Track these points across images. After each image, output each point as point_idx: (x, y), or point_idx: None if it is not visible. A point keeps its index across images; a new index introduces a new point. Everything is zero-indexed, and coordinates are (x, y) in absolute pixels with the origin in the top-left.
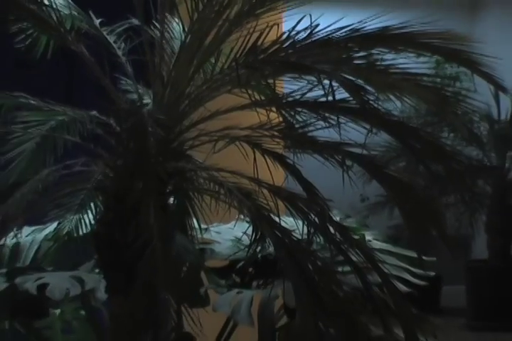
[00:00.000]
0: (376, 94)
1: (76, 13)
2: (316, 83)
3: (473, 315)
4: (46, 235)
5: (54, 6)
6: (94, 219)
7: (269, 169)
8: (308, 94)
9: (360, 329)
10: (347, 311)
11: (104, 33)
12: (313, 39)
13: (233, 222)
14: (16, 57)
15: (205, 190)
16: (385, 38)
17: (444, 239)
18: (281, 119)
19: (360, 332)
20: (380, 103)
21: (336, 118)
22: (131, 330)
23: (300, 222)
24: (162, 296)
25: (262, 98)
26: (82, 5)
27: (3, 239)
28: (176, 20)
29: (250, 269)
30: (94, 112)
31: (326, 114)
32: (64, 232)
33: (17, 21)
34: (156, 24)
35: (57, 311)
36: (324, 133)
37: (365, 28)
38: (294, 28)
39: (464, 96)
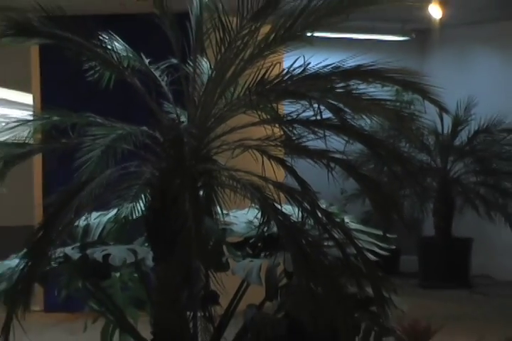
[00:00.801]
0: (352, 114)
1: (131, 55)
2: (308, 106)
3: (423, 277)
4: (109, 218)
5: (115, 50)
6: (144, 206)
7: (273, 169)
8: (302, 114)
9: (340, 288)
10: (331, 274)
11: (152, 69)
12: (306, 73)
13: (247, 209)
14: (86, 87)
15: (226, 185)
16: (359, 72)
17: (402, 221)
18: (282, 133)
19: (340, 290)
20: (355, 121)
21: (322, 132)
22: (172, 289)
23: (296, 209)
24: (194, 263)
25: (268, 117)
26: (135, 48)
27: (77, 221)
28: (205, 59)
29: (259, 244)
30: (144, 127)
31: (315, 129)
32: (122, 216)
33: (88, 61)
34: (190, 63)
35: (117, 274)
36: (314, 143)
37: (344, 66)
38: (291, 65)
39: (416, 116)
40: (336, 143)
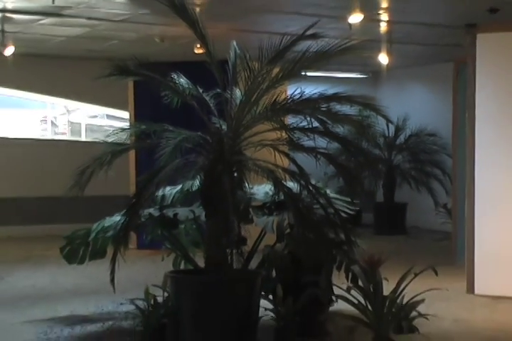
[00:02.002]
0: (331, 124)
1: (191, 86)
2: (303, 119)
3: (376, 227)
4: (177, 190)
5: (180, 83)
6: (199, 183)
7: (281, 159)
8: (300, 124)
9: (324, 234)
10: (318, 226)
11: (204, 95)
12: (302, 98)
13: (264, 184)
14: (163, 107)
15: (251, 169)
16: (336, 97)
17: (362, 192)
18: (287, 136)
19: (324, 236)
20: (333, 128)
21: (313, 135)
22: (217, 235)
23: (296, 184)
24: (231, 219)
25: (278, 126)
26: (193, 82)
27: (157, 192)
28: (238, 89)
29: (272, 206)
30: (199, 133)
31: (308, 134)
32: (185, 189)
33: (163, 90)
34: (228, 91)
35: (182, 226)
36: (308, 142)
37: (326, 93)
38: (293, 92)
39: (372, 125)
40: (321, 142)
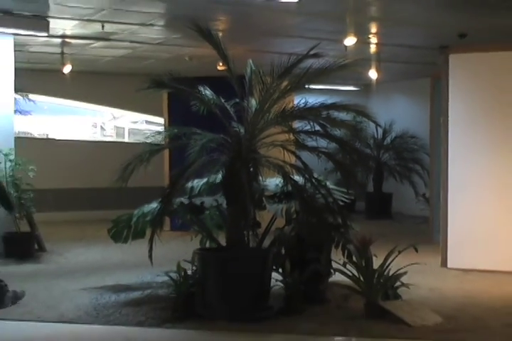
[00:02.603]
0: (330, 128)
1: (214, 97)
2: (307, 124)
3: (367, 213)
4: (203, 182)
5: (206, 94)
6: (221, 176)
7: (289, 157)
8: (305, 128)
9: (324, 219)
10: (319, 212)
11: (225, 104)
12: (306, 106)
13: (275, 178)
14: (192, 114)
15: (264, 165)
16: (334, 106)
17: (356, 184)
18: (294, 138)
19: (324, 220)
20: (332, 131)
21: (315, 137)
22: (236, 220)
23: (301, 178)
24: (248, 206)
25: (286, 129)
26: (217, 93)
27: (187, 184)
28: (253, 99)
29: (282, 196)
30: (221, 135)
31: (311, 136)
32: (210, 181)
33: (192, 100)
34: (245, 101)
35: (208, 212)
36: (311, 143)
37: (326, 103)
38: (299, 102)
39: (364, 129)
40: (322, 143)
